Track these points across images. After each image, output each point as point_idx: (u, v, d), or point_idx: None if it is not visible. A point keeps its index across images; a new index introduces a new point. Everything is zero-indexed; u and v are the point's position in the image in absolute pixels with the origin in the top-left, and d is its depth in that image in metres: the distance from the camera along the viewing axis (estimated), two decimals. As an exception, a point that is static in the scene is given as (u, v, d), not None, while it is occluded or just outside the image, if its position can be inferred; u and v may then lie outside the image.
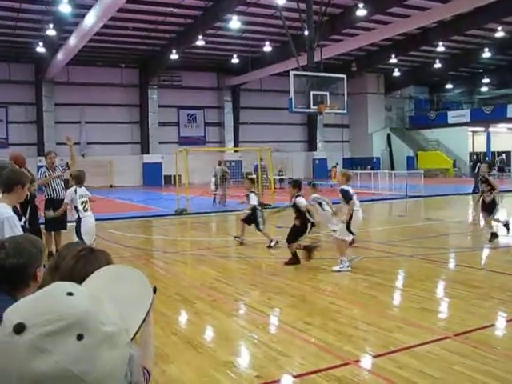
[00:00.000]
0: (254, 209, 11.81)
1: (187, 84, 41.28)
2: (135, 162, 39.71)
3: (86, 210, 8.97)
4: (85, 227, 8.83)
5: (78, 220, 8.90)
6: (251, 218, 11.82)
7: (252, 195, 11.97)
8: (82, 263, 1.85)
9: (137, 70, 39.51)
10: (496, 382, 4.37)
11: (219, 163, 24.03)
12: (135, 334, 1.10)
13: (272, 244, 11.30)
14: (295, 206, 9.64)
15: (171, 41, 32.90)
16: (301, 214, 9.58)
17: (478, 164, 27.13)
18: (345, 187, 9.28)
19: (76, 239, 8.69)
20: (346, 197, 9.15)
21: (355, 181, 29.11)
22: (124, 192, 31.05)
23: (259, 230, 11.70)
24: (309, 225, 9.54)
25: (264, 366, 4.87)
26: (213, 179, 22.56)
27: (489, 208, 11.59)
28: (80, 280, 1.14)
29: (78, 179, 9.11)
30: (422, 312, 6.46)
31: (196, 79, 41.52)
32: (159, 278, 8.72)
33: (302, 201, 9.56)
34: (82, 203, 8.94)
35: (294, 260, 9.51)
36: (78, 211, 8.90)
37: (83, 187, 9.10)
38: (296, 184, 10.01)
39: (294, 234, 9.63)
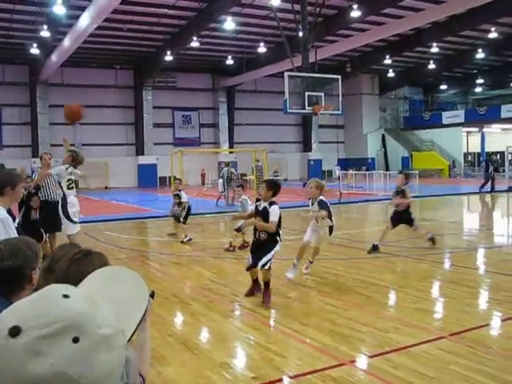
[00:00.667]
0: (186, 206, 13.04)
1: (182, 85, 41.27)
2: (130, 163, 39.67)
3: (70, 189, 9.15)
4: (71, 207, 8.98)
5: (64, 198, 9.06)
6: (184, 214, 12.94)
7: (183, 193, 13.29)
8: (75, 266, 1.84)
9: (131, 72, 39.49)
10: (491, 381, 4.38)
11: (226, 164, 24.31)
12: (131, 335, 1.10)
13: (185, 240, 12.59)
14: (265, 214, 7.06)
15: (166, 42, 32.92)
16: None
17: (489, 163, 27.32)
18: (324, 199, 8.50)
19: (64, 219, 8.89)
20: (329, 210, 8.46)
21: (351, 181, 29.19)
22: (119, 193, 31.00)
23: (181, 222, 12.96)
24: (278, 238, 7.18)
25: (260, 367, 4.87)
26: (220, 180, 22.87)
27: (408, 221, 10.80)
28: (74, 282, 1.14)
29: (76, 161, 9.29)
30: (417, 312, 6.47)
31: (191, 80, 41.50)
32: (155, 280, 8.71)
33: (276, 211, 7.06)
34: (68, 180, 9.10)
35: (256, 287, 7.45)
36: (61, 188, 9.04)
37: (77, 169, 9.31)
38: (273, 186, 7.31)
39: (263, 252, 7.08)
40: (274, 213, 7.01)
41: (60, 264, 1.90)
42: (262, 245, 7.11)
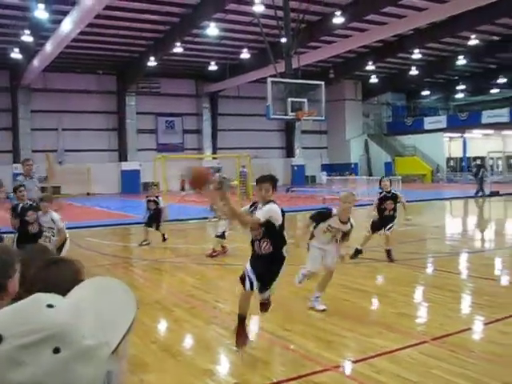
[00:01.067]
0: (160, 210, 13.39)
1: (165, 91, 41.17)
2: (113, 169, 39.41)
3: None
4: (64, 251, 8.77)
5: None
6: (154, 219, 13.29)
7: (160, 198, 13.73)
8: (44, 273, 1.82)
9: (114, 77, 39.25)
10: (468, 382, 4.42)
11: (218, 170, 24.52)
12: (116, 347, 1.09)
13: (166, 236, 13.31)
14: (266, 222, 5.32)
15: (149, 48, 32.83)
16: (273, 233, 5.40)
17: (482, 169, 27.63)
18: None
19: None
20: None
21: (333, 186, 29.29)
22: (102, 200, 30.80)
23: (158, 229, 13.34)
24: (285, 252, 5.52)
25: (243, 374, 4.86)
26: (211, 186, 22.94)
27: (391, 222, 10.42)
28: (40, 290, 1.13)
29: (52, 201, 9.05)
30: (400, 317, 6.50)
31: (174, 86, 41.43)
32: (138, 286, 8.65)
33: (270, 210, 5.34)
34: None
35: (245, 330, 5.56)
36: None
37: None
38: (272, 181, 5.53)
39: (269, 275, 5.50)
40: (264, 211, 5.30)
41: (30, 271, 1.88)
42: (266, 263, 5.42)
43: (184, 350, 5.70)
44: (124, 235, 16.55)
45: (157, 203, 13.40)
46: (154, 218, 13.31)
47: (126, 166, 39.36)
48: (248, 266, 5.42)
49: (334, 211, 6.94)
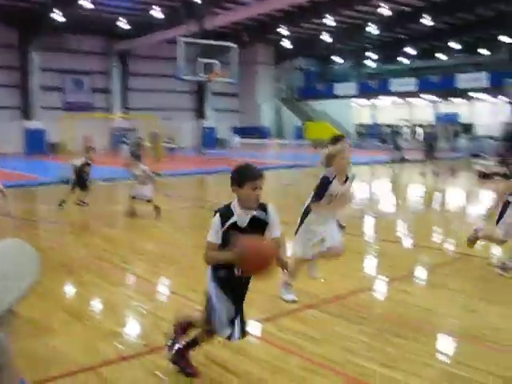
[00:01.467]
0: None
1: (73, 47, 39.47)
2: (16, 128, 37.54)
3: None
4: None
5: None
6: (83, 180, 12.60)
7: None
8: None
9: (17, 30, 37.06)
10: (367, 338, 4.72)
11: (134, 131, 24.09)
12: (8, 311, 1.06)
13: (86, 201, 12.50)
14: (261, 228, 3.85)
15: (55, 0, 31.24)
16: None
17: (398, 136, 28.48)
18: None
19: None
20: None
21: (246, 150, 29.45)
22: (5, 160, 29.42)
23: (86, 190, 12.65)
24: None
25: (151, 335, 4.89)
26: (125, 147, 22.53)
27: None
28: None
29: None
30: (304, 278, 6.70)
31: (83, 43, 39.77)
32: (43, 249, 8.40)
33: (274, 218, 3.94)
34: None
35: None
36: None
37: None
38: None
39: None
40: (278, 222, 3.94)
41: None
42: (246, 288, 4.11)
43: (91, 314, 5.64)
44: (30, 197, 15.96)
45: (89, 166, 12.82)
46: (84, 180, 12.68)
47: (30, 124, 37.61)
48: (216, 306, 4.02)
49: (330, 176, 5.51)
